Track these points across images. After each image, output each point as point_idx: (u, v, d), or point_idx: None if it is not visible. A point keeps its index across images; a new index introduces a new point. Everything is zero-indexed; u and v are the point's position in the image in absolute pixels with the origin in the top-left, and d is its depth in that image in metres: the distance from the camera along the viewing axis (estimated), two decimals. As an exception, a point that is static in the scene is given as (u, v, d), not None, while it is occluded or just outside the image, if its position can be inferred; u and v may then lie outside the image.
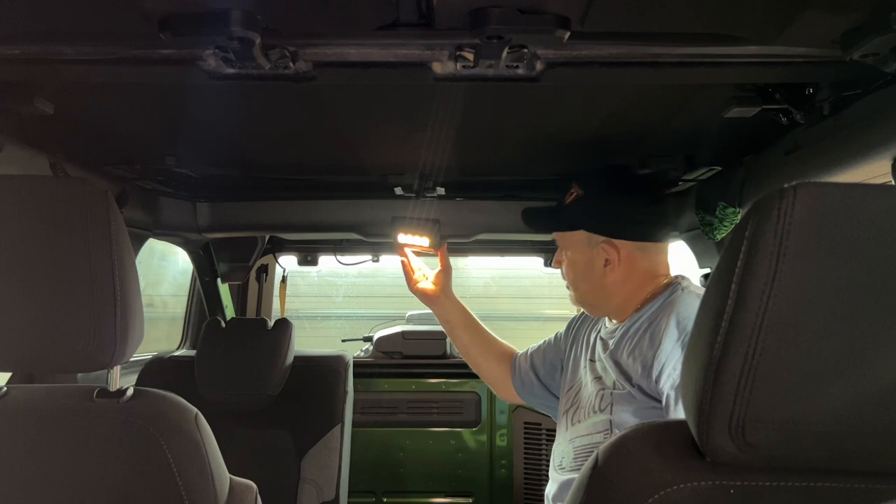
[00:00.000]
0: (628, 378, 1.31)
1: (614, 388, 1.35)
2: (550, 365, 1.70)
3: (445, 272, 1.83)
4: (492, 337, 1.83)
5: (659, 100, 1.18)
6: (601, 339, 1.47)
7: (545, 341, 1.75)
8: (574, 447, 1.42)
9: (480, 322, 1.84)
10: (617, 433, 1.34)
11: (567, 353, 1.64)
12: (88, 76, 0.98)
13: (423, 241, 1.87)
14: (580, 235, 1.44)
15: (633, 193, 1.46)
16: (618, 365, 1.36)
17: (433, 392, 2.88)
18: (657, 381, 1.24)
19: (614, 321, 1.46)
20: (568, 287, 1.53)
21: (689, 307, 1.29)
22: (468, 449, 2.87)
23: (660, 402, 1.24)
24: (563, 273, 1.53)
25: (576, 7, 0.79)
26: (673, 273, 1.47)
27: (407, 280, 1.85)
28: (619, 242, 1.41)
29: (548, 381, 1.70)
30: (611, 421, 1.33)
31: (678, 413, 1.17)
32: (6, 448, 0.93)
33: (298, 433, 2.08)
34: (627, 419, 1.28)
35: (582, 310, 1.63)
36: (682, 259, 1.93)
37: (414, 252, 1.89)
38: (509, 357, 1.80)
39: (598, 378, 1.42)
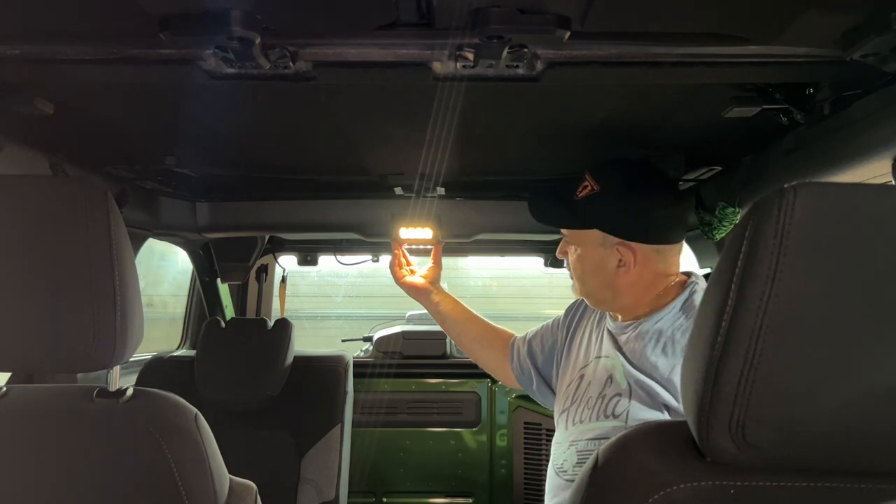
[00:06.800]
0: (653, 376, 1.25)
1: (631, 395, 1.28)
2: (549, 352, 1.64)
3: (436, 267, 1.81)
4: (486, 324, 1.78)
5: (659, 99, 1.18)
6: (609, 332, 1.40)
7: (543, 326, 1.68)
8: (578, 450, 1.35)
9: (474, 311, 1.79)
10: None
11: (564, 342, 1.58)
12: (88, 76, 0.98)
13: (426, 234, 1.86)
14: (594, 234, 1.34)
15: (654, 192, 1.34)
16: (640, 363, 1.29)
17: (433, 392, 2.88)
18: None
19: (620, 317, 1.40)
20: (572, 278, 1.44)
21: None
22: (468, 449, 2.86)
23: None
24: (567, 265, 1.43)
25: (576, 7, 0.79)
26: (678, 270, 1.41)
27: (393, 273, 1.81)
28: (635, 245, 1.31)
29: (546, 369, 1.64)
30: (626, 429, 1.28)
31: None
32: (6, 448, 0.93)
33: (298, 433, 2.08)
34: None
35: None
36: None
37: (411, 249, 1.88)
38: (506, 341, 1.74)
39: (609, 378, 1.35)
